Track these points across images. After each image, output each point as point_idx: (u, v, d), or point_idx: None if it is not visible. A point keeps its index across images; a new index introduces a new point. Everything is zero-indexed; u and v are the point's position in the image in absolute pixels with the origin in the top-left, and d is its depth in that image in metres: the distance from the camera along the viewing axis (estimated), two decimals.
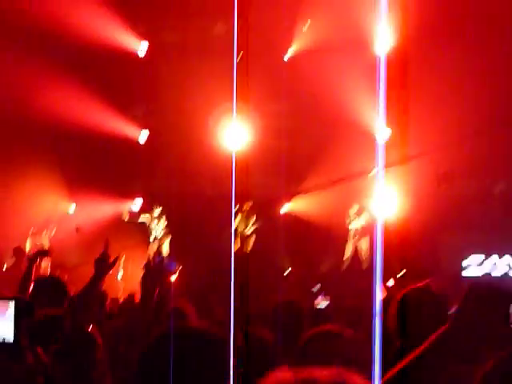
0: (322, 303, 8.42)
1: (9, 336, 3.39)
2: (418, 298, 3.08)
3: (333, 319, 5.78)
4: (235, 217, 12.16)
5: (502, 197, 13.41)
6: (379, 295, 3.04)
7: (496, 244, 13.00)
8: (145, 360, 2.15)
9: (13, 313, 3.41)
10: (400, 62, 12.57)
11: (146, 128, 14.16)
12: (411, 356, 2.45)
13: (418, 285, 3.26)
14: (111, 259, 4.88)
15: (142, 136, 14.05)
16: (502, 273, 12.61)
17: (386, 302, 3.30)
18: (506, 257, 12.89)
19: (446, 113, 12.49)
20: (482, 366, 2.18)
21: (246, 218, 12.83)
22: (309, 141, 13.87)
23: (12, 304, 3.40)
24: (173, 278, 9.12)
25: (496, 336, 2.51)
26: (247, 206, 12.68)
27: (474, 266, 12.97)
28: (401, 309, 3.15)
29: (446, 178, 12.18)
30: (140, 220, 13.89)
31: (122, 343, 4.54)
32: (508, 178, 13.43)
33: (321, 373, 1.44)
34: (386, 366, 2.29)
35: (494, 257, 12.90)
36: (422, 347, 2.45)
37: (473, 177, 13.15)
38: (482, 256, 12.92)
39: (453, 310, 2.42)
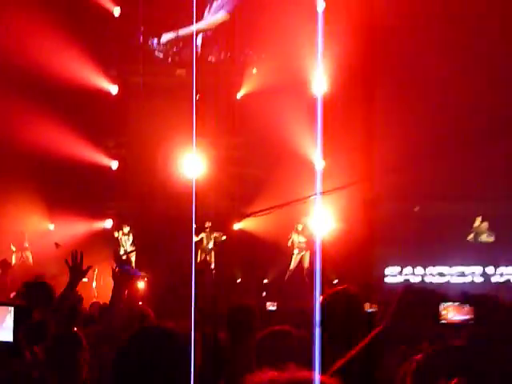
0: (271, 307, 8.42)
1: (9, 337, 3.40)
2: (336, 299, 3.05)
3: (281, 320, 5.56)
4: (197, 234, 12.67)
5: (418, 218, 13.60)
6: (318, 299, 3.02)
7: (411, 257, 13.37)
8: (119, 359, 2.07)
9: (13, 317, 3.41)
10: (334, 102, 13.14)
11: (117, 157, 13.98)
12: (352, 353, 2.34)
13: (338, 288, 3.27)
14: (84, 268, 4.74)
15: (114, 164, 13.94)
16: (417, 281, 13.05)
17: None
18: (419, 268, 13.39)
19: (373, 148, 12.85)
20: (415, 359, 2.23)
21: (210, 235, 13.34)
22: (257, 169, 13.65)
23: (12, 309, 3.43)
24: (141, 285, 9.54)
25: (427, 332, 2.51)
26: (208, 224, 13.21)
27: (394, 275, 13.39)
28: (323, 309, 3.10)
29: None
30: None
31: (100, 345, 4.31)
32: (423, 203, 13.82)
33: (301, 374, 1.49)
34: (327, 361, 2.25)
35: (409, 268, 13.37)
36: (361, 344, 2.35)
37: (394, 201, 13.25)
38: (399, 267, 13.37)
39: (390, 311, 2.26)
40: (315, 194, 11.25)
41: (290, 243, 13.41)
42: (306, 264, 13.31)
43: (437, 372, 2.28)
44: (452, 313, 2.17)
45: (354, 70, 13.31)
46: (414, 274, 13.46)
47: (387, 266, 13.43)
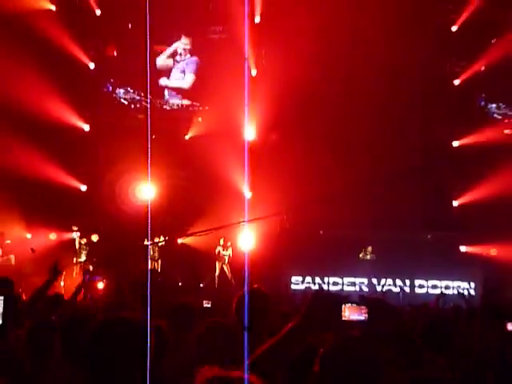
0: (206, 304, 8.09)
1: None
2: (250, 295, 3.02)
3: (214, 314, 5.83)
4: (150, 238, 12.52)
5: (321, 240, 14.18)
6: (247, 300, 2.96)
7: (313, 269, 13.76)
8: (89, 345, 1.99)
9: (2, 305, 3.43)
10: (260, 146, 13.66)
11: (86, 182, 14.14)
12: (267, 345, 2.27)
13: (251, 288, 3.25)
14: (58, 270, 4.81)
15: (83, 187, 14.11)
16: (316, 287, 13.26)
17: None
18: (317, 278, 13.77)
19: (291, 183, 12.93)
20: (321, 351, 2.16)
21: (157, 248, 13.26)
22: (198, 196, 13.72)
23: (2, 298, 3.44)
24: (100, 286, 9.76)
25: (332, 327, 2.45)
26: (157, 239, 13.09)
27: (297, 283, 13.71)
28: (238, 304, 3.12)
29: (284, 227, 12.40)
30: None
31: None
32: (325, 229, 14.28)
33: (238, 373, 1.45)
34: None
35: (309, 278, 13.70)
36: (276, 337, 2.28)
37: (304, 226, 13.46)
38: (301, 277, 13.72)
39: (303, 310, 2.20)
40: (243, 221, 11.10)
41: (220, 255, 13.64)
42: (228, 272, 13.50)
43: (340, 360, 2.13)
44: (351, 312, 2.13)
45: (276, 121, 13.65)
46: (313, 283, 13.75)
47: (292, 276, 13.76)
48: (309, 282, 13.75)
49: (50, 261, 5.02)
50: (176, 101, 15.11)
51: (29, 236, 13.45)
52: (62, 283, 11.22)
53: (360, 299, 2.21)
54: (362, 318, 2.15)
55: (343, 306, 2.15)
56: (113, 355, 1.88)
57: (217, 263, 13.67)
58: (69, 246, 13.51)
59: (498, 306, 4.62)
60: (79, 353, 2.44)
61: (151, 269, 12.68)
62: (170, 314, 4.34)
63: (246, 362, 2.02)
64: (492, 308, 4.36)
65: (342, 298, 2.23)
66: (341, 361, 2.03)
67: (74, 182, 13.94)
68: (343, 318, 2.17)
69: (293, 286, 13.61)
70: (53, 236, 13.79)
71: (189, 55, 15.01)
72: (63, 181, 13.62)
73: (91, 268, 12.18)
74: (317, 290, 2.71)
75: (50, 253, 12.16)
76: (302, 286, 13.56)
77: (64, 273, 10.70)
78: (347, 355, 2.04)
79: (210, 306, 7.56)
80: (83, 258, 13.35)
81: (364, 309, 2.15)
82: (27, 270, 11.50)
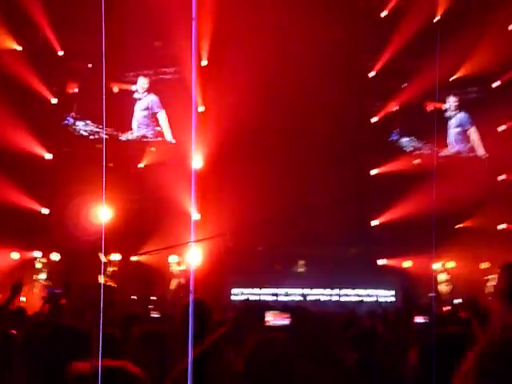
0: (155, 314, 8.17)
1: None
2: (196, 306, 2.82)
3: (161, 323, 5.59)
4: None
5: (260, 256, 14.38)
6: (192, 312, 2.78)
7: (252, 282, 13.88)
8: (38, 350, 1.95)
9: None
10: (205, 174, 13.48)
11: (47, 206, 13.83)
12: (203, 346, 2.23)
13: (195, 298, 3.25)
14: (20, 286, 4.80)
15: (44, 210, 13.86)
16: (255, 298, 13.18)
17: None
18: (256, 289, 13.80)
19: (234, 207, 12.84)
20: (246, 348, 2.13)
21: (110, 264, 13.03)
22: (150, 218, 13.65)
23: None
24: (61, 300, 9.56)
25: (257, 330, 2.49)
26: (109, 257, 12.90)
27: (237, 294, 13.70)
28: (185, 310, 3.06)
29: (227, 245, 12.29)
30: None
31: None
32: (262, 244, 14.47)
33: (110, 362, 1.39)
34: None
35: (248, 290, 13.76)
36: (211, 339, 2.24)
37: (243, 244, 13.47)
38: (241, 289, 13.79)
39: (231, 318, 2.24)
40: (190, 241, 11.63)
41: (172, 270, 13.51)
42: (173, 286, 13.41)
43: (262, 355, 2.13)
44: (275, 318, 2.10)
45: (221, 152, 13.61)
46: (252, 294, 13.69)
47: (233, 288, 13.81)
48: (247, 294, 13.67)
49: (11, 279, 5.17)
50: (130, 135, 15.08)
51: None
52: (24, 299, 10.89)
53: (283, 307, 1.99)
54: (285, 322, 2.11)
55: (266, 313, 2.09)
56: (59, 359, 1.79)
57: (172, 279, 13.51)
58: (30, 265, 13.17)
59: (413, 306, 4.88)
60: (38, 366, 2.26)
61: (106, 284, 11.91)
62: (119, 322, 4.32)
63: (190, 361, 1.99)
64: (409, 308, 4.59)
65: (265, 306, 2.11)
66: (260, 359, 2.02)
67: (36, 206, 13.65)
68: (266, 324, 2.12)
69: (233, 297, 13.55)
70: (15, 255, 13.38)
71: (146, 93, 15.02)
72: (26, 204, 13.30)
73: (51, 284, 11.99)
74: (244, 301, 2.47)
75: (11, 271, 11.95)
76: (241, 297, 13.50)
77: (25, 289, 10.52)
78: (265, 354, 2.03)
79: (159, 316, 7.50)
80: (44, 275, 13.00)
81: (287, 315, 2.09)
82: None
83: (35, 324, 3.84)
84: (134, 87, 15.00)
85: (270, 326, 2.21)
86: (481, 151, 16.05)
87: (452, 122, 15.98)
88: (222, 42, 14.30)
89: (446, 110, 15.83)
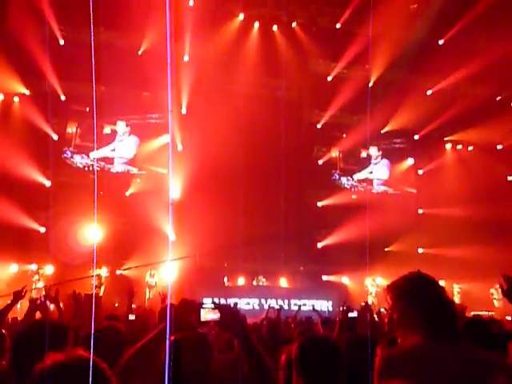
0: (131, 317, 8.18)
1: None
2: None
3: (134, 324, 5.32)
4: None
5: (224, 271, 14.11)
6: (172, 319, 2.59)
7: (218, 293, 12.82)
8: (17, 342, 1.85)
9: None
10: (181, 202, 13.47)
11: (45, 225, 13.42)
12: (139, 345, 2.10)
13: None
14: (22, 294, 4.45)
15: (42, 229, 13.42)
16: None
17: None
18: (222, 300, 12.59)
19: (204, 231, 12.61)
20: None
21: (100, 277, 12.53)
22: (135, 239, 13.08)
23: None
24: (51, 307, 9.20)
25: (192, 327, 2.34)
26: (99, 270, 12.51)
27: (207, 303, 13.07)
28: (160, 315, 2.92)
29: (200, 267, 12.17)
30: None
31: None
32: (228, 261, 14.06)
33: (78, 354, 1.27)
34: None
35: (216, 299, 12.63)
36: (145, 340, 2.10)
37: (211, 261, 13.29)
38: (210, 299, 12.63)
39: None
40: (166, 260, 11.26)
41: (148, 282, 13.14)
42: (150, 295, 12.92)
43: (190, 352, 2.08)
44: (208, 313, 1.99)
45: (195, 185, 13.45)
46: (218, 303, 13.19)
47: (203, 298, 12.61)
48: (214, 303, 13.09)
49: (8, 287, 4.50)
50: (121, 167, 14.87)
51: None
52: (18, 305, 10.70)
53: (214, 304, 2.05)
54: (215, 317, 2.05)
55: (201, 309, 2.06)
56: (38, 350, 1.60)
57: (147, 289, 13.15)
58: (27, 276, 12.68)
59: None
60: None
61: (95, 294, 11.62)
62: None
63: (168, 360, 1.91)
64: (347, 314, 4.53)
65: (200, 304, 2.10)
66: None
67: (35, 225, 13.30)
68: (202, 319, 2.06)
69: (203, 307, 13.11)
70: (14, 267, 12.89)
71: (127, 134, 14.85)
72: (25, 224, 12.94)
73: (44, 292, 11.43)
74: (181, 300, 2.49)
75: (10, 281, 11.59)
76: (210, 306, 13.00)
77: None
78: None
79: (134, 318, 7.21)
80: (40, 285, 12.27)
81: (216, 311, 2.05)
82: None
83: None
84: (116, 128, 14.84)
85: (205, 322, 2.05)
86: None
87: (376, 166, 16.48)
88: (198, 95, 14.42)
89: (371, 157, 16.37)
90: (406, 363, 1.75)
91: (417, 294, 1.87)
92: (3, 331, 3.51)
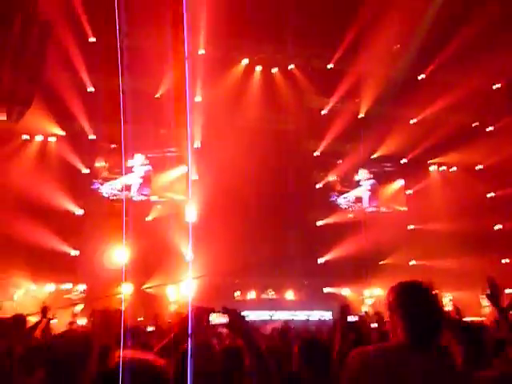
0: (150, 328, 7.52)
1: None
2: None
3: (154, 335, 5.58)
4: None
5: (236, 287, 14.13)
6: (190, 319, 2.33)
7: (230, 306, 13.19)
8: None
9: None
10: (199, 226, 13.09)
11: (76, 248, 13.39)
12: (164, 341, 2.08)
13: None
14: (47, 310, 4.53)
15: (73, 252, 13.38)
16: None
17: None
18: None
19: (220, 252, 12.12)
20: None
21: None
22: (157, 259, 12.85)
23: None
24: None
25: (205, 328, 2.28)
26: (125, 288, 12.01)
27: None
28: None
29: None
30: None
31: None
32: (239, 278, 14.08)
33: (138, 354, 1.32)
34: None
35: None
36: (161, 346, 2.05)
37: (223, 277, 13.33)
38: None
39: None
40: (185, 278, 11.42)
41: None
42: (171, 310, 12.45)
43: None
44: (218, 317, 1.95)
45: (210, 210, 13.28)
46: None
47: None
48: (224, 308, 12.36)
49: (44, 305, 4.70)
50: (141, 196, 15.08)
51: (33, 287, 12.68)
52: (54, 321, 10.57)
53: (223, 309, 2.04)
54: (224, 320, 2.04)
55: (211, 314, 2.06)
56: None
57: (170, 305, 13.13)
58: (62, 294, 12.84)
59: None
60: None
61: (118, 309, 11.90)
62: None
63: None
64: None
65: (210, 309, 2.07)
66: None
67: (69, 249, 13.45)
68: (211, 323, 2.05)
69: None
70: (50, 286, 13.00)
71: (147, 166, 15.10)
72: (61, 248, 13.11)
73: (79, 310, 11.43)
74: (194, 307, 2.31)
75: (47, 299, 11.35)
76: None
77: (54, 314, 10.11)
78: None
79: (154, 329, 7.04)
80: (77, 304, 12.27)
81: (225, 315, 2.04)
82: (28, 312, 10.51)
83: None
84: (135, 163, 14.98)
85: (215, 324, 2.04)
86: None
87: (364, 187, 16.57)
88: (209, 131, 14.63)
89: (360, 180, 16.48)
90: (377, 363, 1.68)
91: (401, 301, 1.79)
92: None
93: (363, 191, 16.48)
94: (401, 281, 1.88)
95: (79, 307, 11.89)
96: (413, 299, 1.78)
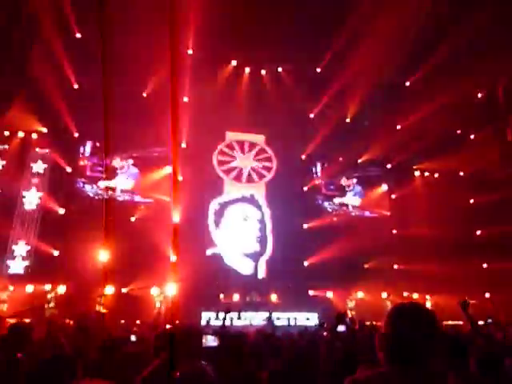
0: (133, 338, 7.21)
1: None
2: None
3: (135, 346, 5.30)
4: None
5: (220, 288, 13.95)
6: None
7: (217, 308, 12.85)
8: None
9: None
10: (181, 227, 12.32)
11: (58, 248, 13.07)
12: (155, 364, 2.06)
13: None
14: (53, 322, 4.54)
15: (55, 252, 13.04)
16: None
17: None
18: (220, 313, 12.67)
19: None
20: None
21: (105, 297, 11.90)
22: (140, 260, 12.57)
23: None
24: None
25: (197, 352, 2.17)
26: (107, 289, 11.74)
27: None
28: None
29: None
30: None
31: None
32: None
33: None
34: None
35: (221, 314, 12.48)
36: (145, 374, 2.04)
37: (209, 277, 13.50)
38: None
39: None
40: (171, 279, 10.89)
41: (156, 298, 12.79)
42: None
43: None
44: (208, 340, 1.89)
45: (193, 210, 13.33)
46: (224, 319, 12.29)
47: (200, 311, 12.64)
48: (214, 331, 12.28)
49: (23, 306, 4.35)
50: (125, 196, 14.76)
51: (11, 288, 12.20)
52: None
53: (213, 332, 1.83)
54: (215, 343, 1.94)
55: (203, 336, 1.93)
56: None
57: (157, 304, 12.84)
58: (41, 296, 12.33)
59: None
60: None
61: (100, 311, 11.27)
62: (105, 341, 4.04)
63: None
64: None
65: (201, 331, 1.96)
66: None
67: (50, 249, 13.06)
68: (203, 345, 1.95)
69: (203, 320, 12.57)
70: (29, 287, 12.51)
71: (131, 167, 14.86)
72: (41, 248, 12.79)
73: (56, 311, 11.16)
74: (188, 327, 2.27)
75: (25, 300, 11.35)
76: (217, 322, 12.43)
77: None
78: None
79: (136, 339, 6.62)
80: (52, 304, 12.10)
81: (216, 338, 1.90)
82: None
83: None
84: (122, 164, 14.74)
85: (207, 347, 1.93)
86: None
87: (351, 192, 16.60)
88: (196, 131, 14.45)
89: (347, 185, 16.49)
90: None
91: (391, 323, 1.74)
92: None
93: (349, 198, 16.42)
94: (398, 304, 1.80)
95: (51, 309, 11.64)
96: (401, 320, 1.72)
